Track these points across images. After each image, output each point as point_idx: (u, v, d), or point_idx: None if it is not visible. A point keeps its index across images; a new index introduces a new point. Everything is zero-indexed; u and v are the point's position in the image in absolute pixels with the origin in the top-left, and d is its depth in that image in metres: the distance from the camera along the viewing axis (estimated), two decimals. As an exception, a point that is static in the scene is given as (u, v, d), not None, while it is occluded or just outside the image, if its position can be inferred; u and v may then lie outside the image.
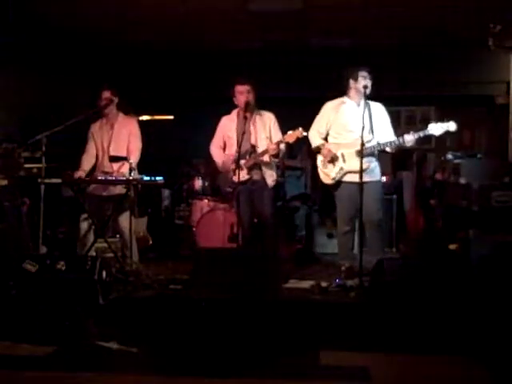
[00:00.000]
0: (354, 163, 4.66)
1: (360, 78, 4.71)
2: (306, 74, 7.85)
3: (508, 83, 6.85)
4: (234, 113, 5.21)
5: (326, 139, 4.96)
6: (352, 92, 4.81)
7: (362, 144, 4.47)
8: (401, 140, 4.63)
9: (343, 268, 4.85)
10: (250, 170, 5.03)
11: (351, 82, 4.78)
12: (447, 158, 5.82)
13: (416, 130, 4.68)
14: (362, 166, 4.45)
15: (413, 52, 7.38)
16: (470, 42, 6.50)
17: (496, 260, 4.11)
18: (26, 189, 5.10)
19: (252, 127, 5.07)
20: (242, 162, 4.94)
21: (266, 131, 5.09)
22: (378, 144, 4.71)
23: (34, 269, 4.07)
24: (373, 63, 4.90)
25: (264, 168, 5.05)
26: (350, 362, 3.30)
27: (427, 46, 7.23)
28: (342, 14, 6.15)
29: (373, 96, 4.74)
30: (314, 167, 5.13)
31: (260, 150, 5.02)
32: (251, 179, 5.04)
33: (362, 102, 4.76)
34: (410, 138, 4.60)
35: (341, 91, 4.92)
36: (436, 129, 4.54)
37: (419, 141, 4.72)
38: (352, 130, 4.75)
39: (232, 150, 5.10)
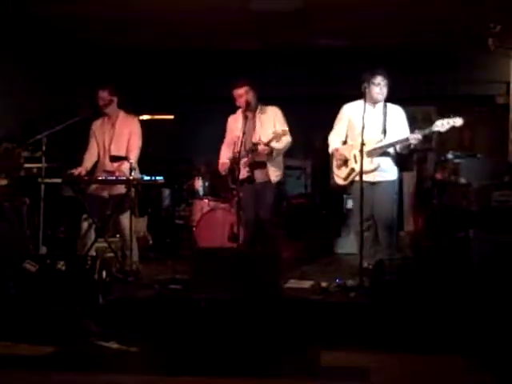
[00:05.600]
0: (364, 163, 4.64)
1: (372, 86, 4.73)
2: (307, 74, 7.85)
3: (508, 83, 6.85)
4: (240, 112, 5.22)
5: (345, 142, 4.99)
6: (367, 95, 4.78)
7: (362, 144, 4.48)
8: (408, 138, 4.63)
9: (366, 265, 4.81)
10: (250, 167, 5.05)
11: (366, 86, 4.75)
12: (447, 158, 5.82)
13: (418, 129, 4.69)
14: (362, 166, 4.48)
15: (413, 52, 7.38)
16: (470, 42, 6.49)
17: (496, 260, 4.11)
18: (26, 189, 5.09)
19: (258, 124, 5.11)
20: (243, 161, 4.97)
21: (272, 126, 5.08)
22: (389, 143, 4.73)
23: (34, 269, 4.07)
24: (373, 63, 4.91)
25: (268, 164, 5.09)
26: (350, 362, 3.30)
27: (427, 46, 7.23)
28: (343, 14, 6.15)
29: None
30: (314, 167, 5.15)
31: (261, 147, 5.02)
32: (252, 177, 5.08)
33: (378, 104, 4.82)
34: (415, 136, 4.60)
35: (344, 91, 4.93)
36: (442, 125, 4.50)
37: (426, 138, 4.71)
38: (364, 132, 4.68)
39: (237, 149, 5.10)
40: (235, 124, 5.23)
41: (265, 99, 5.25)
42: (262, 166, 5.10)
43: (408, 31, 6.69)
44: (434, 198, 6.14)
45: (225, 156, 5.30)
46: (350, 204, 6.69)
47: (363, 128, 4.48)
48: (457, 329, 3.56)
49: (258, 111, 5.14)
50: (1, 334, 3.63)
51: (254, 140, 5.04)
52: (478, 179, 5.19)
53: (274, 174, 5.13)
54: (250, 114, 5.07)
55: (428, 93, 7.71)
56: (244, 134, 4.93)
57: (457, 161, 5.60)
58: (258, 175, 5.12)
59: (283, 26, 6.56)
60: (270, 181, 5.11)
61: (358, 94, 4.81)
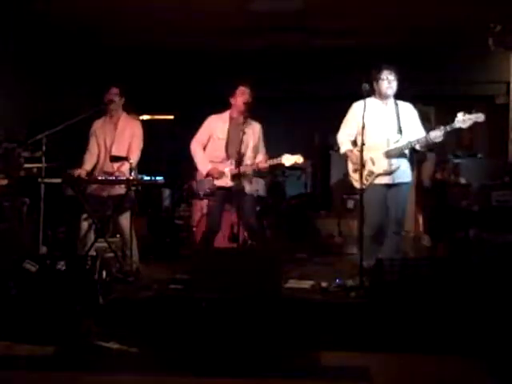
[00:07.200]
0: (383, 165, 4.58)
1: (380, 81, 4.64)
2: (306, 74, 7.85)
3: (508, 83, 6.85)
4: (227, 114, 5.10)
5: (355, 141, 4.80)
6: (376, 93, 4.70)
7: (362, 144, 4.44)
8: (428, 137, 4.47)
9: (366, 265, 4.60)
10: (233, 177, 4.94)
11: (374, 83, 4.67)
12: (447, 158, 5.82)
13: (438, 127, 4.61)
14: (361, 166, 4.43)
15: (413, 52, 7.38)
16: (470, 42, 6.50)
17: (496, 260, 4.11)
18: (25, 189, 5.09)
19: (246, 134, 4.93)
20: (228, 168, 4.92)
21: (255, 140, 5.03)
22: (408, 143, 4.57)
23: (34, 269, 4.07)
24: (373, 63, 4.90)
25: (242, 178, 4.93)
26: (351, 362, 3.30)
27: (427, 46, 7.24)
28: (342, 14, 6.15)
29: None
30: (314, 167, 5.14)
31: (246, 158, 4.96)
32: (236, 187, 4.93)
33: (389, 101, 4.70)
34: (436, 134, 4.41)
35: (344, 91, 4.89)
36: (463, 121, 4.31)
37: (447, 135, 4.45)
38: (380, 132, 4.62)
39: (217, 152, 5.03)
40: (221, 125, 5.06)
41: (265, 99, 5.24)
42: (247, 177, 5.01)
43: (408, 31, 6.69)
44: (434, 198, 6.15)
45: (205, 160, 5.08)
46: (350, 204, 6.71)
47: (363, 128, 4.42)
48: (457, 329, 3.56)
49: (247, 120, 4.98)
50: (1, 334, 3.63)
51: (242, 150, 4.87)
52: (478, 179, 5.20)
53: (248, 186, 5.01)
54: (239, 119, 4.97)
55: (428, 93, 7.70)
56: (228, 138, 4.89)
57: (457, 161, 5.61)
58: (247, 186, 5.00)
59: (283, 25, 6.56)
60: (244, 191, 4.97)
61: (358, 94, 4.79)
